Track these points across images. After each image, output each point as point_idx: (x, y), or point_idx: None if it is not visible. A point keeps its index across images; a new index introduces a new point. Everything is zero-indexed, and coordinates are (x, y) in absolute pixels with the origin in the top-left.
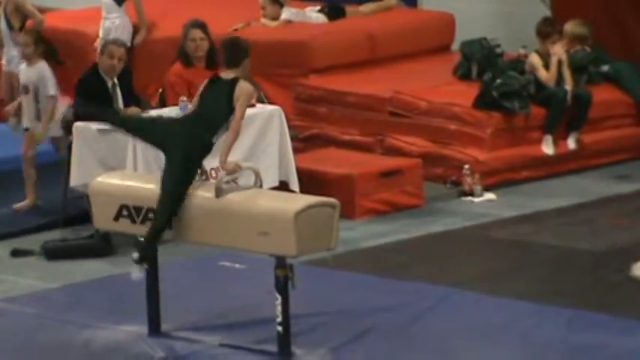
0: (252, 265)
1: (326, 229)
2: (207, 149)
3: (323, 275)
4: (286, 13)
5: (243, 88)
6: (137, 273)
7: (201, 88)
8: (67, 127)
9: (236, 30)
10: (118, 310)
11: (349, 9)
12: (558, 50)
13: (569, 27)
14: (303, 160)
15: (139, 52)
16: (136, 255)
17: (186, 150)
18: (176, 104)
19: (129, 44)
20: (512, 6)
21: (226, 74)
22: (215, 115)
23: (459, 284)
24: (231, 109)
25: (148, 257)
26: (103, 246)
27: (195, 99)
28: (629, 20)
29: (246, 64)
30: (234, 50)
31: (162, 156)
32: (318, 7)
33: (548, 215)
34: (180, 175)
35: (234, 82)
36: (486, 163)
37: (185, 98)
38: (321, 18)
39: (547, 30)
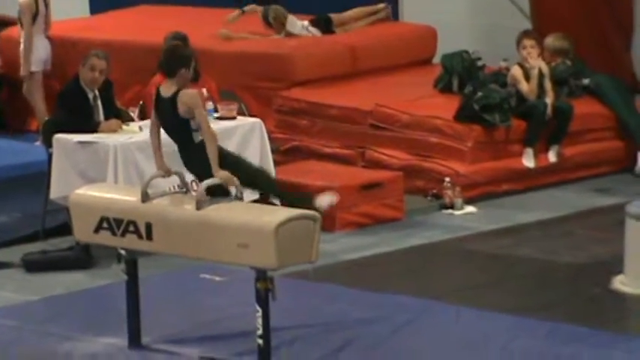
0: (233, 277)
1: (307, 242)
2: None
3: (303, 288)
4: (293, 27)
5: (185, 98)
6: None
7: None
8: (47, 139)
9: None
10: (98, 322)
11: (335, 16)
12: (535, 63)
13: (550, 41)
14: (284, 172)
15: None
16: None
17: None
18: None
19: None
20: (493, 19)
21: (165, 87)
22: (178, 133)
23: (438, 297)
24: (182, 121)
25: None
26: (83, 258)
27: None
28: (609, 33)
29: (183, 73)
30: (170, 59)
31: (143, 167)
32: (306, 22)
33: (528, 228)
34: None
35: (173, 98)
36: (467, 176)
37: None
38: (318, 34)
39: (519, 38)
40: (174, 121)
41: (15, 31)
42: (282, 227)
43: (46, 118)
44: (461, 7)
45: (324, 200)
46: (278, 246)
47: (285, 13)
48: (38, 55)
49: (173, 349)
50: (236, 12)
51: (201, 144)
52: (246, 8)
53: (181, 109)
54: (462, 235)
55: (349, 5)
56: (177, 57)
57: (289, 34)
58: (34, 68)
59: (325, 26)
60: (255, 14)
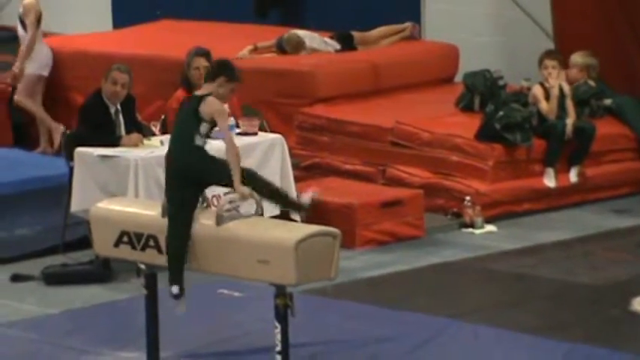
0: (251, 293)
1: (326, 259)
2: (196, 170)
3: (322, 305)
4: (313, 41)
5: (209, 103)
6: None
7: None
8: (69, 153)
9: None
10: (117, 336)
11: (357, 34)
12: (555, 83)
13: (579, 57)
14: (303, 188)
15: None
16: (175, 289)
17: (177, 179)
18: None
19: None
20: (515, 38)
21: (201, 91)
22: (184, 130)
23: (458, 316)
24: (196, 122)
25: (182, 287)
26: (102, 272)
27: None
28: (632, 54)
29: (221, 81)
30: (215, 66)
31: (164, 182)
32: (326, 39)
33: (548, 248)
34: (180, 200)
35: (202, 97)
36: (488, 195)
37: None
38: (337, 46)
39: (541, 58)
40: (190, 117)
41: None
42: (302, 244)
43: (68, 132)
44: (483, 26)
45: (306, 196)
46: (298, 262)
47: (299, 35)
48: (44, 60)
49: None
50: (248, 47)
51: (190, 166)
52: (259, 45)
53: (200, 107)
54: (481, 255)
55: (373, 23)
56: (222, 66)
57: (313, 50)
58: (41, 72)
59: (346, 43)
60: (268, 50)
